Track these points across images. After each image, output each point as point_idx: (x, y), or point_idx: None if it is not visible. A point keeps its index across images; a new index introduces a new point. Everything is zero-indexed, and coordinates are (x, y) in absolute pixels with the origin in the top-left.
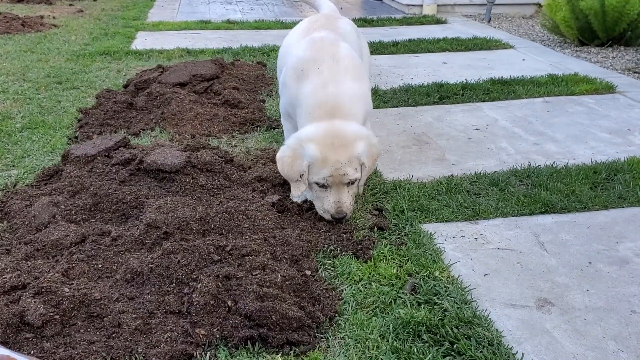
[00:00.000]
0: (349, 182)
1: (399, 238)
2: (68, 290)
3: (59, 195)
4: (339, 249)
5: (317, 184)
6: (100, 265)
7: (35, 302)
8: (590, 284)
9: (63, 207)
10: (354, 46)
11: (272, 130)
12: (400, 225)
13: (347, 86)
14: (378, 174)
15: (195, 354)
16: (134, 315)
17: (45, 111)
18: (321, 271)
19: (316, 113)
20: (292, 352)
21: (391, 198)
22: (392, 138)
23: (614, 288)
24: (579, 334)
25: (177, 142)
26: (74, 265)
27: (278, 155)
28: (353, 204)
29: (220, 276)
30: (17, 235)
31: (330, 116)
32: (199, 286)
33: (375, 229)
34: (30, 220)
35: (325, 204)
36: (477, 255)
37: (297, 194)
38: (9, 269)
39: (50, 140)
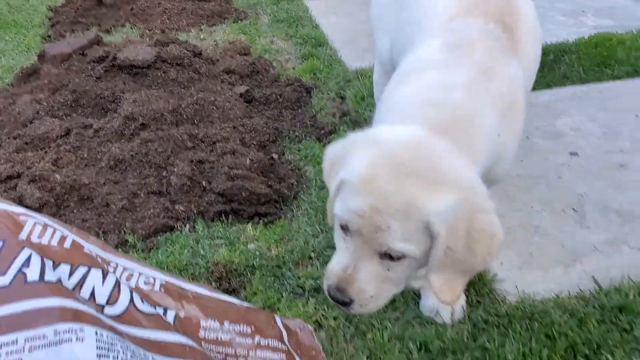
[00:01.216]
0: (386, 252)
1: (358, 122)
2: (59, 177)
3: (40, 93)
4: (303, 134)
5: (341, 222)
6: (85, 155)
7: (30, 188)
8: (525, 156)
9: (45, 103)
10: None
11: (239, 22)
12: (360, 111)
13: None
14: (342, 63)
15: (176, 226)
16: (119, 197)
17: (15, 10)
18: (287, 154)
19: (420, 113)
20: (260, 222)
21: (353, 86)
22: (358, 27)
23: (546, 159)
24: (509, 198)
25: (147, 38)
26: (61, 155)
27: (328, 149)
28: (380, 295)
29: (194, 161)
30: (5, 131)
31: (440, 130)
32: (175, 170)
33: (338, 115)
34: (15, 117)
35: (332, 262)
36: None
37: (330, 216)
38: (2, 161)
39: (23, 40)
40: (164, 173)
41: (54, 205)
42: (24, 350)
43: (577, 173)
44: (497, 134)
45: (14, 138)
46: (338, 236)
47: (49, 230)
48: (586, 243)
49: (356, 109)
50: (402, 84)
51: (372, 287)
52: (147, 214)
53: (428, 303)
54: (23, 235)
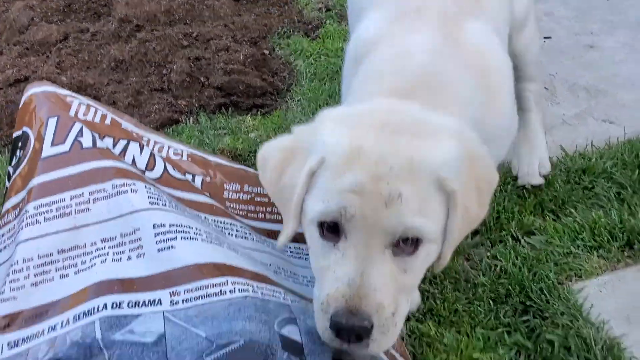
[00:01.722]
0: (400, 240)
1: (344, 17)
2: (65, 79)
3: None
4: (291, 30)
5: (322, 224)
6: (86, 58)
7: None
8: None
9: (39, 10)
10: None
11: None
12: (345, 4)
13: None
14: None
15: (180, 120)
16: (125, 94)
17: None
18: (277, 50)
19: (379, 86)
20: (258, 113)
21: None
22: None
23: None
24: None
25: None
26: (63, 59)
27: (262, 149)
28: (399, 313)
29: (191, 58)
30: (3, 38)
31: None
32: (174, 67)
33: (324, 9)
34: (11, 24)
35: (326, 282)
36: None
37: (284, 238)
38: (8, 66)
39: None
40: (164, 71)
41: None
42: (89, 202)
43: (549, 55)
44: (473, 110)
45: (14, 44)
46: (318, 251)
47: (92, 110)
48: (556, 117)
49: (341, 2)
50: (355, 77)
51: (390, 297)
52: (153, 109)
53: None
54: (72, 113)
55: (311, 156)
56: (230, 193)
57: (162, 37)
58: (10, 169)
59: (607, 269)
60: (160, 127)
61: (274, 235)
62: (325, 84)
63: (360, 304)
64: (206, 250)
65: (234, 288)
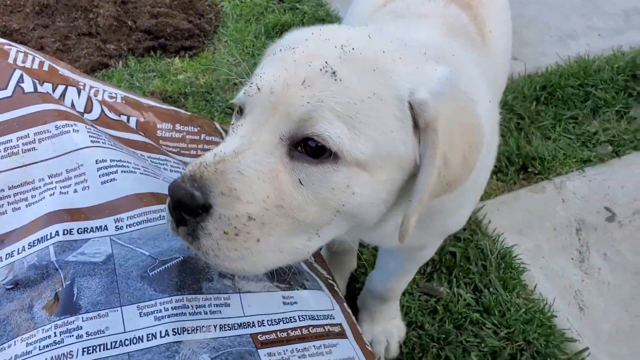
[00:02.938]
0: (305, 138)
1: None
2: None
3: None
4: None
5: (240, 99)
6: (8, 2)
7: None
8: None
9: None
10: None
11: None
12: None
13: None
14: None
15: (110, 64)
16: (52, 40)
17: None
18: None
19: None
20: (186, 55)
21: None
22: None
23: None
24: None
25: None
26: None
27: None
28: (267, 234)
29: (117, 2)
30: None
31: None
32: (101, 11)
33: None
34: None
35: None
36: None
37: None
38: None
39: None
40: (91, 15)
41: None
42: (35, 142)
43: None
44: None
45: None
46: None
47: (30, 57)
48: None
49: None
50: None
51: (257, 198)
52: (82, 54)
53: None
54: (11, 60)
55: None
56: (163, 132)
57: None
58: None
59: (504, 190)
60: (90, 71)
61: None
62: (251, 24)
63: (206, 173)
64: (144, 182)
65: None
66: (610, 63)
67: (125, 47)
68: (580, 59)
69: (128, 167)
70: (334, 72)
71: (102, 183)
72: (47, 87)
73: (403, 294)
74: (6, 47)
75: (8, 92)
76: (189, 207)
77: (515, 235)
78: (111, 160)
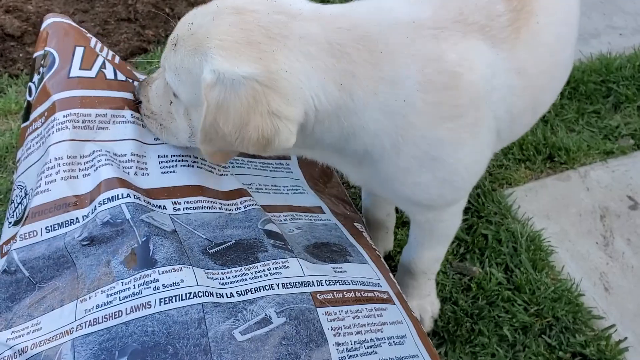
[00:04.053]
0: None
1: None
2: (32, 7)
3: None
4: None
5: None
6: None
7: (9, 18)
8: None
9: None
10: None
11: None
12: None
13: None
14: None
15: (149, 49)
16: (92, 24)
17: None
18: None
19: None
20: None
21: None
22: None
23: None
24: None
25: None
26: None
27: None
28: (167, 126)
29: None
30: None
31: None
32: None
33: None
34: None
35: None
36: None
37: None
38: None
39: None
40: (130, 1)
41: (33, 33)
42: (109, 122)
43: None
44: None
45: None
46: None
47: (105, 49)
48: None
49: None
50: None
51: (154, 103)
52: (121, 39)
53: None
54: (92, 46)
55: None
56: None
57: None
58: (32, 85)
59: (532, 178)
60: (129, 55)
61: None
62: None
63: (142, 84)
64: (200, 175)
65: (222, 207)
66: (632, 61)
67: (163, 33)
68: (602, 57)
69: (187, 160)
70: (174, 44)
71: (162, 173)
72: (120, 77)
73: (438, 274)
74: (87, 35)
75: (92, 74)
76: (134, 97)
77: (543, 220)
78: (172, 156)
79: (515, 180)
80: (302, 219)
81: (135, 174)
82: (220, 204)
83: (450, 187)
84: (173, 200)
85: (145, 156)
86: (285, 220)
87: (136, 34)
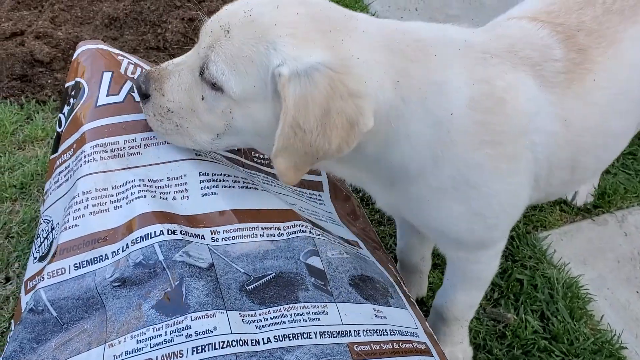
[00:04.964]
0: (206, 69)
1: None
2: (61, 34)
3: None
4: None
5: None
6: (79, 14)
7: (39, 44)
8: (475, 14)
9: None
10: None
11: None
12: None
13: None
14: None
15: None
16: (120, 46)
17: None
18: None
19: None
20: None
21: None
22: None
23: (494, 15)
24: None
25: None
26: (57, 14)
27: None
28: (181, 125)
29: (185, 19)
30: None
31: None
32: (169, 27)
33: None
34: None
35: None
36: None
37: None
38: (3, 19)
39: None
40: (159, 30)
41: (62, 59)
42: (141, 147)
43: None
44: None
45: None
46: None
47: (139, 69)
48: None
49: None
50: None
51: (174, 99)
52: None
53: None
54: (122, 70)
55: None
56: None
57: None
58: (62, 116)
59: (567, 221)
60: None
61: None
62: None
63: (152, 80)
64: (242, 196)
65: (264, 233)
66: None
67: None
68: None
69: (228, 181)
70: (227, 31)
71: (203, 195)
72: None
73: (471, 320)
74: (119, 57)
75: (120, 98)
76: (139, 92)
77: (579, 265)
78: (213, 174)
79: (550, 223)
80: (346, 246)
81: (174, 198)
82: (262, 229)
83: (481, 222)
84: (212, 229)
85: (184, 176)
86: (335, 241)
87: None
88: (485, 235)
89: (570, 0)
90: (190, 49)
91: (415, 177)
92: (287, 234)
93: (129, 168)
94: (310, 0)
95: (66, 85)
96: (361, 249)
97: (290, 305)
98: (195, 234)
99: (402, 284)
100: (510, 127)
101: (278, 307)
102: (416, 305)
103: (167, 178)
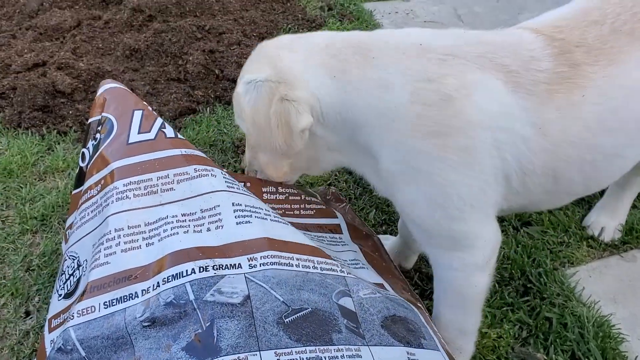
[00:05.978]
0: None
1: (345, 15)
2: (83, 65)
3: None
4: (296, 27)
5: None
6: (100, 45)
7: (60, 74)
8: None
9: None
10: None
11: None
12: (345, 4)
13: None
14: None
15: (198, 109)
16: (142, 82)
17: None
18: None
19: None
20: None
21: None
22: None
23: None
24: None
25: None
26: (78, 45)
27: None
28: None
29: (205, 50)
30: (14, 22)
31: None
32: (190, 59)
33: (325, 8)
34: (20, 9)
35: None
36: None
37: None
38: (25, 50)
39: None
40: (180, 62)
41: (83, 90)
42: (174, 182)
43: None
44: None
45: (27, 29)
46: None
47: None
48: None
49: (341, 2)
50: None
51: (247, 157)
52: (171, 98)
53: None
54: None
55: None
56: (269, 195)
57: (177, 28)
58: (86, 151)
59: (595, 257)
60: (178, 115)
61: (308, 228)
62: None
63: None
64: (275, 228)
65: (299, 264)
66: None
67: (212, 94)
68: None
69: (260, 213)
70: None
71: (237, 224)
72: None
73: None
74: (144, 102)
75: (151, 135)
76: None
77: (609, 303)
78: (246, 205)
79: (578, 259)
80: (375, 288)
81: (209, 229)
82: (297, 259)
83: (441, 210)
84: (249, 256)
85: (218, 206)
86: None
87: (185, 94)
88: (451, 226)
89: (581, 17)
90: (209, 81)
91: (379, 160)
92: (321, 269)
93: (162, 204)
94: (266, 46)
95: (91, 119)
96: (387, 290)
97: (325, 348)
98: (230, 265)
99: (432, 323)
100: (459, 121)
101: (314, 348)
102: (446, 346)
103: (201, 210)
